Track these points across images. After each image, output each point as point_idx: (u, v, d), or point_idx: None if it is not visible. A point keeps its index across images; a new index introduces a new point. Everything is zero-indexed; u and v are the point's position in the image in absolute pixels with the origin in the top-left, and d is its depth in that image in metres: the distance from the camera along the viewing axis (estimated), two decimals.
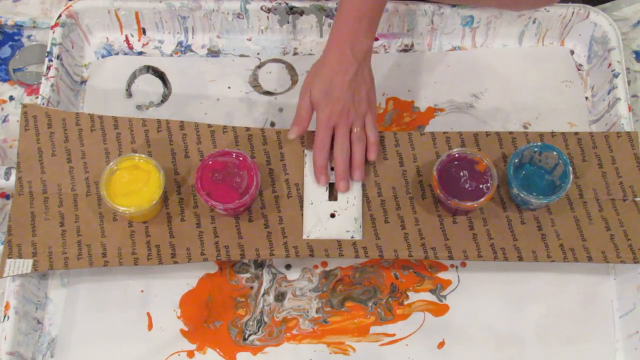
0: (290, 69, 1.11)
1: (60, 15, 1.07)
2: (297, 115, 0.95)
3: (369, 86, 0.94)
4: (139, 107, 1.08)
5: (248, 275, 0.98)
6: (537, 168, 0.95)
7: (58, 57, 1.05)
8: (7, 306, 0.91)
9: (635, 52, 1.13)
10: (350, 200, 0.96)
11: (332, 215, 0.95)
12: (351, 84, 0.92)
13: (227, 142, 0.99)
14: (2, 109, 1.10)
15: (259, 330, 0.95)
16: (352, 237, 0.94)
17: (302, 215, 0.95)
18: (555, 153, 0.93)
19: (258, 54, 1.12)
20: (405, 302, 0.97)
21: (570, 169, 0.92)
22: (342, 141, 0.93)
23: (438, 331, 0.95)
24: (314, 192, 0.96)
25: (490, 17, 1.09)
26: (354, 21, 0.91)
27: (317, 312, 0.96)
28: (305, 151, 0.98)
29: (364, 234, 0.95)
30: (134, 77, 1.10)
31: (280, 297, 0.97)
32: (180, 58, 1.12)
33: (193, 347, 0.94)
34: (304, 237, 0.94)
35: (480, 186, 0.92)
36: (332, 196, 0.96)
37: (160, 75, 1.10)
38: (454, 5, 1.08)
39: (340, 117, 0.92)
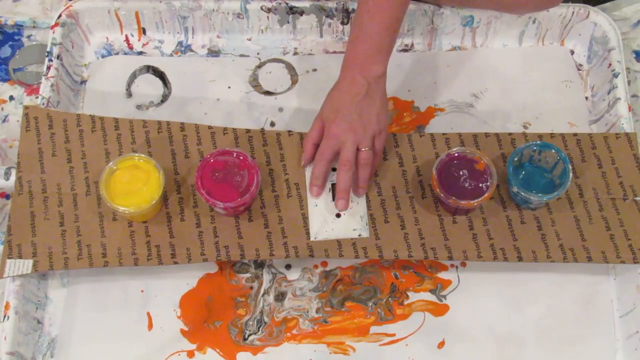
0: (290, 69, 1.11)
1: (60, 15, 1.08)
2: (307, 135, 0.95)
3: (380, 108, 0.92)
4: (139, 107, 1.08)
5: (248, 275, 0.98)
6: (536, 167, 0.95)
7: (58, 57, 1.05)
8: (7, 306, 0.91)
9: (635, 52, 1.13)
10: (355, 199, 0.96)
11: (338, 216, 0.95)
12: (360, 103, 0.91)
13: (227, 143, 0.99)
14: (2, 109, 1.10)
15: (259, 330, 0.95)
16: (359, 235, 0.94)
17: (302, 215, 0.95)
18: (554, 151, 0.93)
19: (258, 54, 1.12)
20: (405, 302, 0.97)
21: (570, 167, 0.92)
22: (347, 161, 0.91)
23: (438, 331, 0.95)
24: None
25: (490, 17, 1.09)
26: (363, 48, 0.91)
27: (317, 312, 0.96)
28: None
29: None
30: (134, 77, 1.10)
31: (280, 297, 0.97)
32: (180, 58, 1.12)
33: (193, 347, 0.94)
34: (312, 238, 0.94)
35: (480, 185, 0.92)
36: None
37: (160, 75, 1.10)
38: (454, 6, 1.08)
39: (347, 133, 0.91)
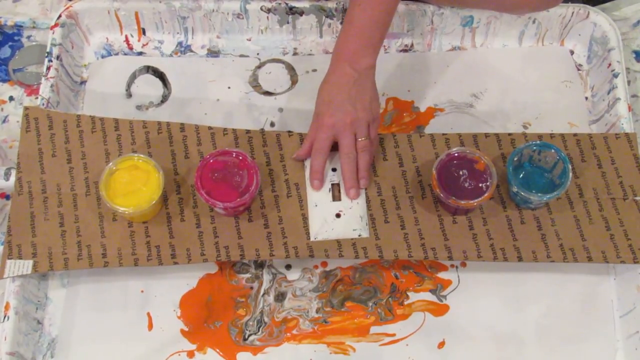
0: (290, 69, 1.11)
1: (60, 16, 1.08)
2: (307, 134, 0.95)
3: (371, 96, 0.93)
4: (138, 107, 1.08)
5: (248, 275, 0.98)
6: (536, 167, 0.95)
7: (58, 57, 1.05)
8: (7, 306, 0.91)
9: (635, 52, 1.13)
10: (354, 199, 0.96)
11: (338, 216, 0.95)
12: (351, 92, 0.91)
13: (227, 144, 0.99)
14: (2, 109, 1.10)
15: (259, 331, 0.95)
16: (359, 235, 0.94)
17: (302, 215, 0.95)
18: (553, 151, 0.93)
19: (258, 54, 1.12)
20: (406, 302, 0.97)
21: (570, 166, 0.92)
22: (349, 149, 0.93)
23: (438, 331, 0.95)
24: (317, 194, 0.96)
25: (490, 17, 1.09)
26: (353, 41, 0.91)
27: (317, 312, 0.96)
28: None
29: None
30: (133, 77, 1.10)
31: (280, 297, 0.97)
32: (180, 58, 1.12)
33: (193, 347, 0.94)
34: (312, 239, 0.94)
35: (480, 185, 0.92)
36: (336, 197, 0.96)
37: (160, 76, 1.10)
38: (454, 6, 1.08)
39: (343, 125, 0.91)
